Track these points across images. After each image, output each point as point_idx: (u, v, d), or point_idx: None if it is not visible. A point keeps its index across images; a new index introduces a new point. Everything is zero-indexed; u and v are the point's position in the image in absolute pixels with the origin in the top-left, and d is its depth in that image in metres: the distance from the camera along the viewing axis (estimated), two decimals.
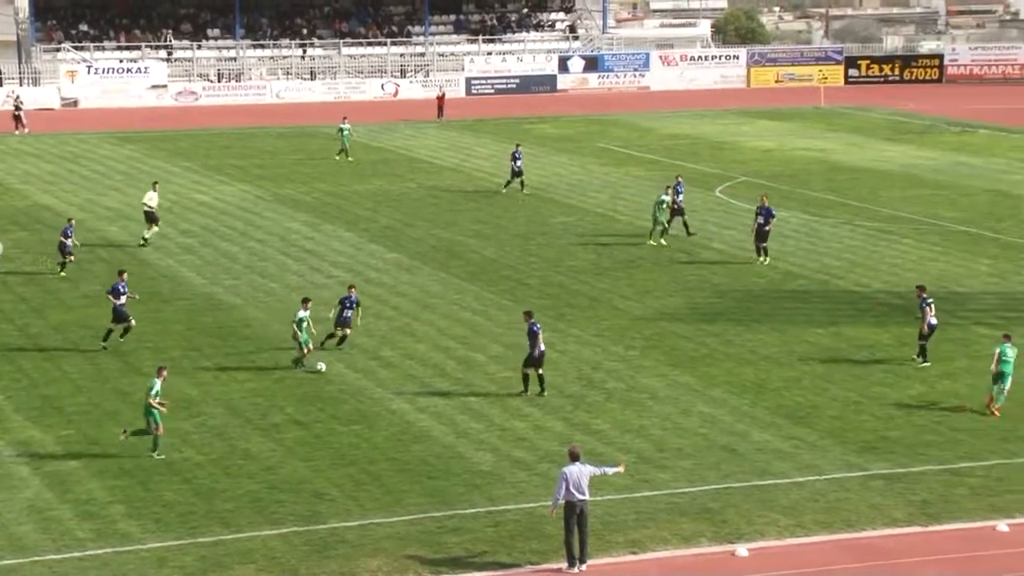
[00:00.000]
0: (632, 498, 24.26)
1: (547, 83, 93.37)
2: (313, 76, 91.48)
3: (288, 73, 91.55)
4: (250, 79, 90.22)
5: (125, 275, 34.85)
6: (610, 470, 22.28)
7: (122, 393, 30.24)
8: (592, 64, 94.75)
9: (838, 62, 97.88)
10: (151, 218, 46.19)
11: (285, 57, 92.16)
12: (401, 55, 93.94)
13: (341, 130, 64.15)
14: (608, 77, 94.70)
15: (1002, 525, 23.16)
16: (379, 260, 43.47)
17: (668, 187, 46.79)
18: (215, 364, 32.41)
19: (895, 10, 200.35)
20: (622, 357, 32.92)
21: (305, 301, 32.21)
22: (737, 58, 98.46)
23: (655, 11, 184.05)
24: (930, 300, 32.37)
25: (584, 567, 21.76)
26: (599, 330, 34.68)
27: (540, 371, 29.85)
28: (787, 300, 38.41)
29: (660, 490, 24.76)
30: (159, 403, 26.34)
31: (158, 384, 26.46)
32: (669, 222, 45.69)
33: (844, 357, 32.85)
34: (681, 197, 46.45)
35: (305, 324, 31.68)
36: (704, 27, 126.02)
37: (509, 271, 41.84)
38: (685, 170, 60.30)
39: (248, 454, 26.50)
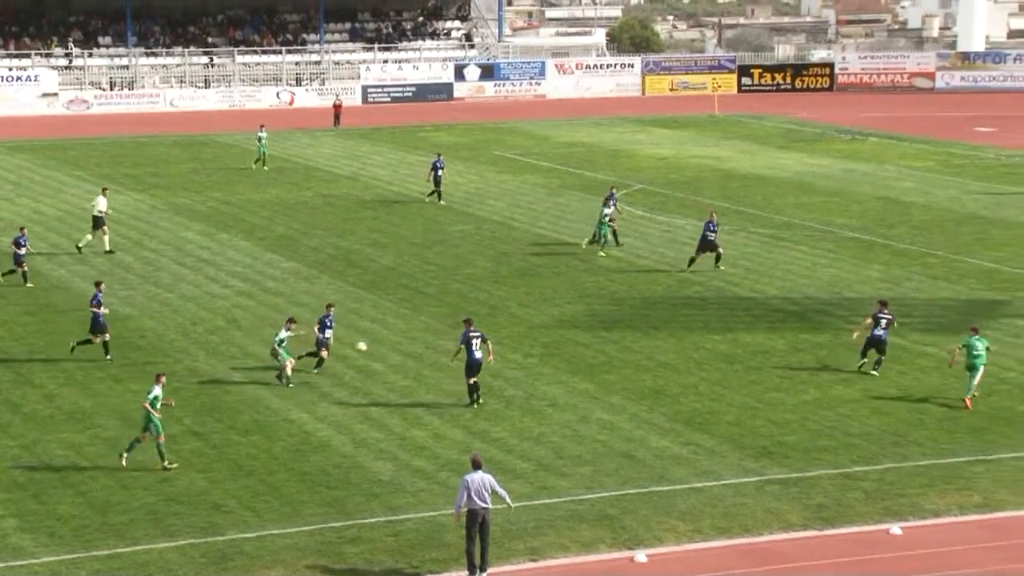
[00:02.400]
0: (532, 505, 24.31)
1: (443, 91, 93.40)
2: (207, 84, 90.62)
3: (182, 81, 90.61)
4: (143, 87, 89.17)
5: (103, 286, 34.33)
6: (509, 498, 22.14)
7: (13, 405, 29.70)
8: (488, 72, 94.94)
9: (731, 71, 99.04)
10: (98, 223, 45.59)
11: (178, 65, 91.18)
12: (296, 63, 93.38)
13: (259, 138, 63.62)
14: (504, 85, 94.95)
15: (895, 528, 23.54)
16: (276, 270, 43.16)
17: (605, 199, 46.66)
18: (109, 375, 31.96)
19: (786, 19, 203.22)
20: (521, 365, 33.00)
21: (290, 321, 31.68)
22: (632, 66, 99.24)
23: (550, 20, 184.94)
24: (885, 315, 31.89)
25: (484, 575, 21.77)
26: (498, 338, 34.71)
27: (474, 379, 29.73)
28: (684, 307, 38.75)
29: (559, 497, 24.84)
30: (164, 404, 25.92)
31: (157, 390, 25.97)
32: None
33: (740, 363, 33.21)
34: (613, 207, 46.39)
35: (285, 344, 31.08)
36: (599, 36, 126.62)
37: (407, 279, 41.76)
38: (582, 178, 60.70)
39: (144, 466, 26.15)
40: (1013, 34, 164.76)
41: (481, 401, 29.74)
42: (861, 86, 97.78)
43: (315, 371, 32.03)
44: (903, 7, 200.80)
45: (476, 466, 21.83)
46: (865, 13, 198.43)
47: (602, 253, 44.88)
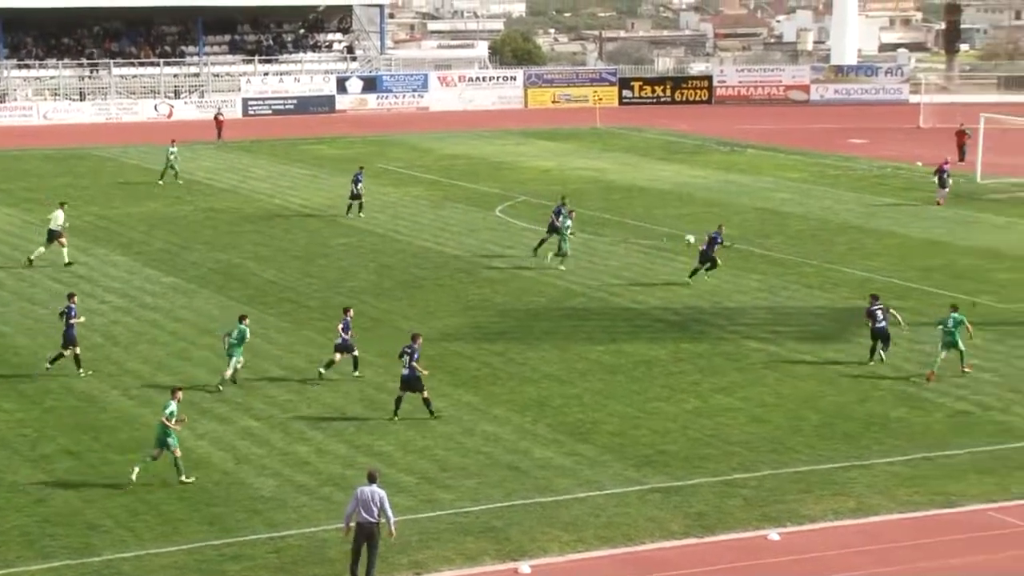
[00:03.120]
0: (416, 519, 24.19)
1: (326, 104, 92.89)
2: (83, 97, 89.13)
3: (56, 94, 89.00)
4: (15, 100, 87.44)
5: (75, 298, 33.74)
6: (393, 523, 21.92)
7: None
8: (371, 85, 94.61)
9: (612, 83, 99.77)
10: (52, 236, 44.71)
11: (52, 78, 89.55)
12: (175, 76, 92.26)
13: (169, 153, 62.70)
14: (387, 98, 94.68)
15: (773, 534, 23.81)
16: (155, 285, 42.54)
17: (557, 211, 46.37)
18: None
19: (665, 33, 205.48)
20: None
21: (242, 318, 32.23)
22: (514, 79, 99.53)
23: (433, 32, 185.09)
24: (879, 307, 33.64)
25: None
26: (381, 351, 34.54)
27: (423, 395, 29.60)
28: (567, 318, 38.89)
29: (444, 510, 24.76)
30: (178, 421, 25.85)
31: (173, 405, 25.92)
32: (544, 242, 45.98)
33: (623, 373, 33.40)
34: (562, 219, 46.08)
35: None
36: (482, 48, 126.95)
37: (290, 293, 41.40)
38: (466, 190, 60.70)
39: (15, 487, 25.56)
40: (884, 48, 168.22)
41: (434, 417, 29.58)
42: (739, 99, 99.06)
43: (355, 374, 32.41)
44: (778, 21, 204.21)
45: (371, 480, 21.71)
46: (742, 27, 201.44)
47: (562, 267, 44.67)
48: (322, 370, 32.40)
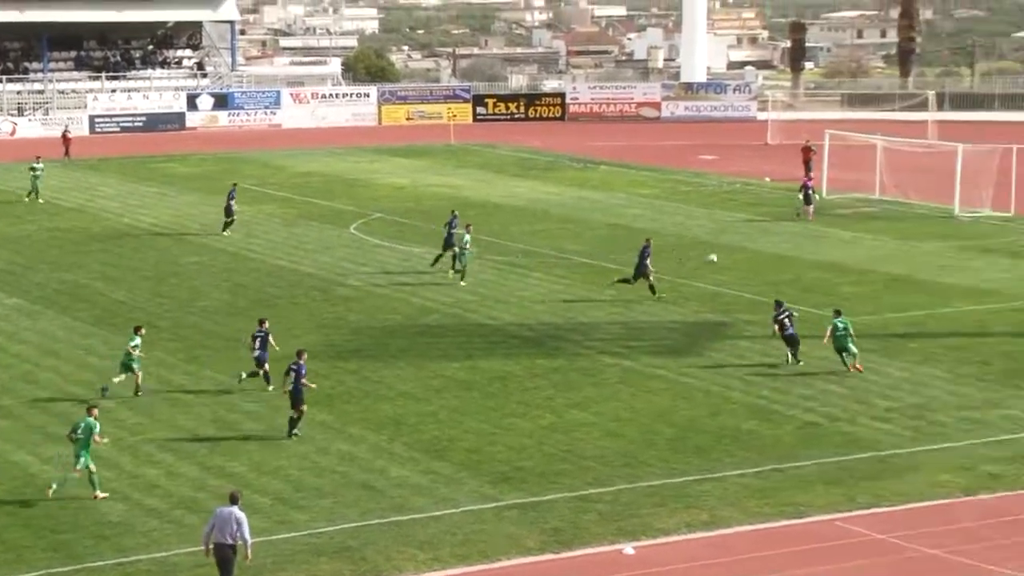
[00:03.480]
0: (271, 540, 23.87)
1: (176, 121, 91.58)
2: None
3: None
4: None
5: None
6: (249, 548, 21.65)
7: None
8: (222, 102, 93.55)
9: (466, 100, 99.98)
10: None
11: None
12: (18, 92, 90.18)
13: (33, 169, 61.07)
14: (239, 115, 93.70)
15: (628, 548, 23.97)
16: None
17: (454, 227, 46.27)
18: None
19: (519, 50, 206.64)
20: (258, 398, 32.46)
21: (137, 328, 33.17)
22: (368, 96, 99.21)
23: (285, 49, 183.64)
24: (785, 313, 35.01)
25: None
26: (235, 371, 34.08)
27: (293, 413, 29.40)
28: (422, 335, 38.80)
29: (299, 531, 24.48)
30: (95, 440, 25.86)
31: (91, 421, 25.85)
32: (440, 257, 45.97)
33: (478, 389, 33.41)
34: (457, 233, 45.95)
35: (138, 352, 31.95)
36: (335, 65, 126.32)
37: (140, 313, 40.64)
38: (320, 208, 60.30)
39: None
40: (732, 65, 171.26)
41: (297, 433, 29.33)
42: (591, 115, 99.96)
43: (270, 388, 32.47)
44: (629, 39, 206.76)
45: (232, 501, 21.53)
46: (594, 45, 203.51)
47: (463, 283, 44.56)
48: (244, 375, 32.95)
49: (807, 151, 68.99)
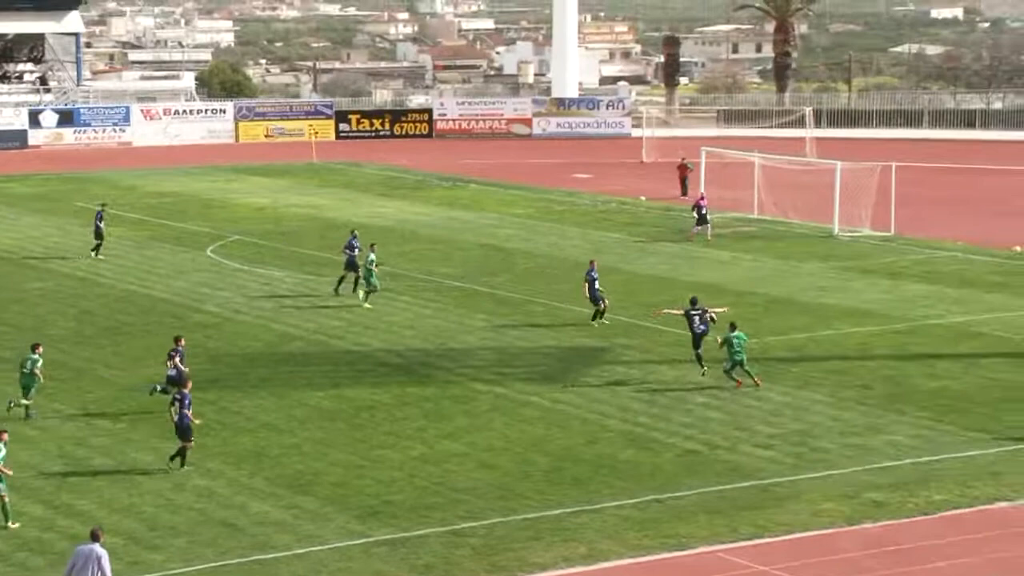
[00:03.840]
0: None
1: (17, 139, 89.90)
2: None
3: None
4: None
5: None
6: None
7: None
8: (67, 118, 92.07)
9: (328, 116, 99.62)
10: None
11: None
12: None
13: None
14: (85, 132, 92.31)
15: None
16: None
17: (355, 248, 46.41)
18: None
19: (383, 64, 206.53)
20: (109, 431, 31.93)
21: (35, 346, 33.53)
22: (224, 112, 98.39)
23: (134, 63, 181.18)
24: (697, 311, 36.58)
25: None
26: (83, 403, 33.51)
27: (185, 445, 29.27)
28: (285, 363, 38.48)
29: (154, 572, 24.09)
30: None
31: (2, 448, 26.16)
32: (343, 280, 46.08)
33: (345, 420, 33.21)
34: (360, 254, 46.10)
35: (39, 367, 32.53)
36: (188, 80, 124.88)
37: None
38: (174, 230, 59.62)
39: None
40: (605, 80, 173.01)
41: (184, 468, 29.16)
42: (460, 132, 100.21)
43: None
44: (498, 53, 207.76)
45: (94, 538, 21.33)
46: (461, 59, 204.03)
47: (367, 305, 44.51)
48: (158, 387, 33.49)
49: (683, 168, 69.98)
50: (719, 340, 35.80)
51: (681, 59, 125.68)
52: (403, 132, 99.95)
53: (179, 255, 54.34)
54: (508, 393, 35.51)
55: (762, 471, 29.62)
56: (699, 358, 36.62)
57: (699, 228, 58.11)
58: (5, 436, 26.38)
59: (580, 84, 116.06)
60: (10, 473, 26.50)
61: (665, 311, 39.34)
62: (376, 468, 29.79)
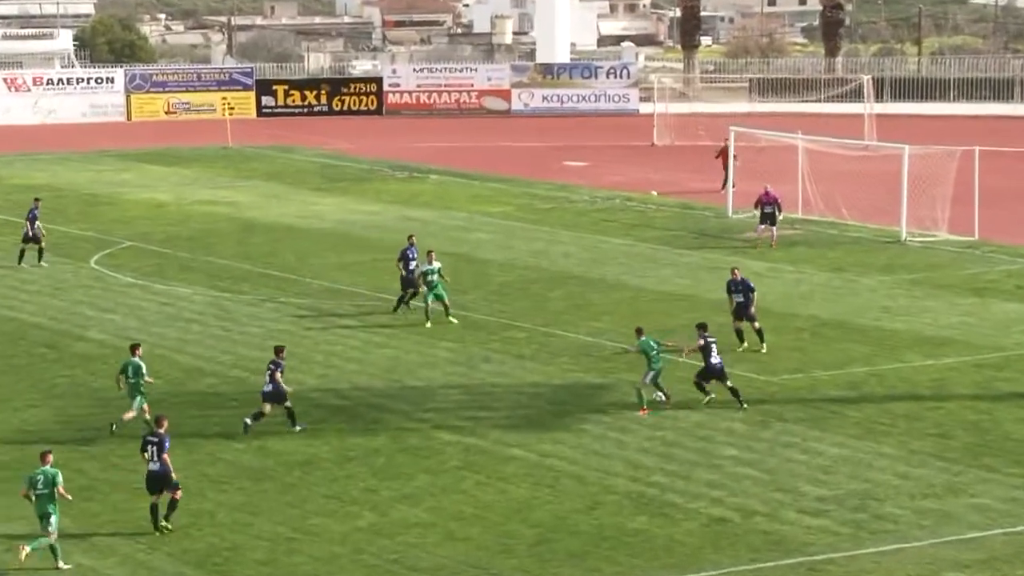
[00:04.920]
0: None
1: None
2: None
3: None
4: None
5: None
6: None
7: None
8: None
9: (248, 87, 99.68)
10: None
11: None
12: None
13: None
14: None
15: None
16: None
17: (412, 259, 47.12)
18: None
19: (318, 20, 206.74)
20: None
21: (135, 347, 36.49)
22: (112, 81, 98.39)
23: None
24: (713, 339, 38.10)
25: None
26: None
27: (171, 496, 30.32)
28: (193, 406, 38.49)
29: None
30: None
31: (50, 470, 28.24)
32: (403, 299, 47.05)
33: (273, 479, 33.21)
34: (418, 266, 46.63)
35: None
36: (65, 39, 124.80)
37: None
38: (49, 234, 59.48)
39: None
40: (605, 41, 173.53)
41: (168, 526, 29.97)
42: (418, 108, 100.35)
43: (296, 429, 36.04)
44: (466, 6, 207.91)
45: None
46: (418, 13, 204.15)
47: (454, 320, 46.04)
48: (248, 421, 35.78)
49: (725, 155, 69.22)
50: (630, 349, 38.83)
51: (702, 13, 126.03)
52: (344, 108, 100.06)
53: (56, 267, 54.26)
54: (482, 444, 35.54)
55: (811, 545, 29.70)
56: (735, 392, 37.77)
57: (763, 227, 58.11)
58: (50, 457, 29.16)
59: (573, 46, 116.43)
60: (69, 498, 29.10)
61: (671, 344, 39.61)
62: (312, 542, 29.80)
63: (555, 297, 50.25)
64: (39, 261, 54.34)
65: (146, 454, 30.52)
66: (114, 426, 35.85)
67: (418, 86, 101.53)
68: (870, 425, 37.00)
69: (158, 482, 30.27)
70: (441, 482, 33.09)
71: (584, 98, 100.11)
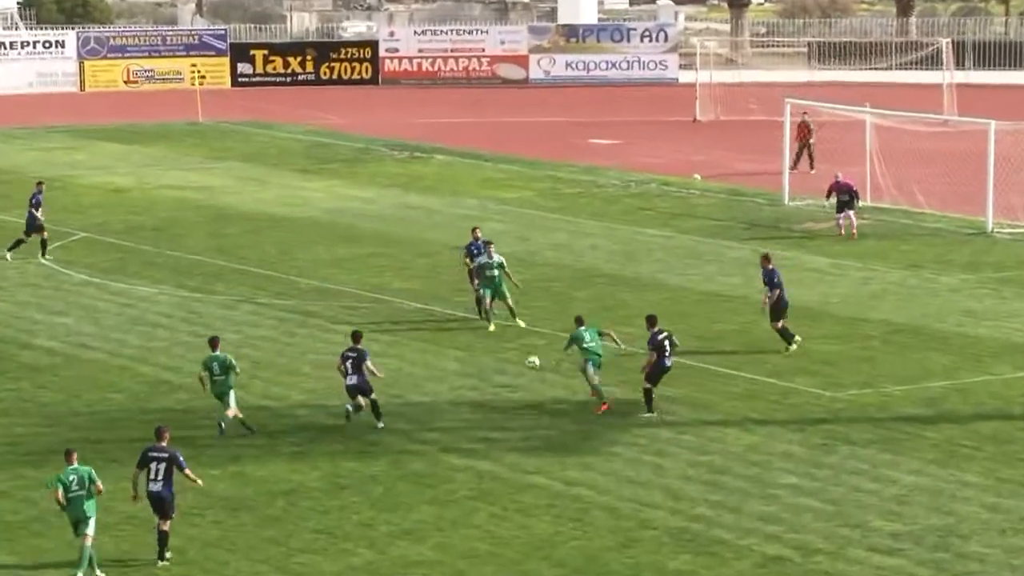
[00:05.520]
0: None
1: None
2: None
3: None
4: None
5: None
6: None
7: None
8: None
9: (221, 52, 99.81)
10: None
11: None
12: None
13: None
14: None
15: None
16: None
17: (478, 251, 47.34)
18: None
19: None
20: None
21: (214, 341, 38.39)
22: (62, 45, 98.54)
23: None
24: (663, 335, 39.21)
25: None
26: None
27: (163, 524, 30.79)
28: (154, 427, 38.41)
29: None
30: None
31: (84, 468, 29.51)
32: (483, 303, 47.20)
33: (251, 510, 33.24)
34: (481, 259, 46.84)
35: None
36: None
37: None
38: None
39: None
40: None
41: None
42: (419, 76, 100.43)
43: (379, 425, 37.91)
44: None
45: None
46: None
47: (521, 324, 46.91)
48: (349, 408, 37.92)
49: (805, 130, 69.09)
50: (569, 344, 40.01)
51: None
52: (334, 76, 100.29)
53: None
54: (497, 470, 35.55)
55: None
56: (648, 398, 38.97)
57: (843, 216, 58.12)
58: (75, 456, 30.30)
59: (601, 4, 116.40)
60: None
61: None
62: None
63: (580, 298, 50.24)
64: (42, 256, 54.63)
65: (148, 472, 30.68)
66: (222, 425, 37.58)
67: (420, 51, 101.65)
68: (952, 448, 36.97)
69: (165, 504, 30.63)
70: (449, 514, 33.10)
71: (614, 65, 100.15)
